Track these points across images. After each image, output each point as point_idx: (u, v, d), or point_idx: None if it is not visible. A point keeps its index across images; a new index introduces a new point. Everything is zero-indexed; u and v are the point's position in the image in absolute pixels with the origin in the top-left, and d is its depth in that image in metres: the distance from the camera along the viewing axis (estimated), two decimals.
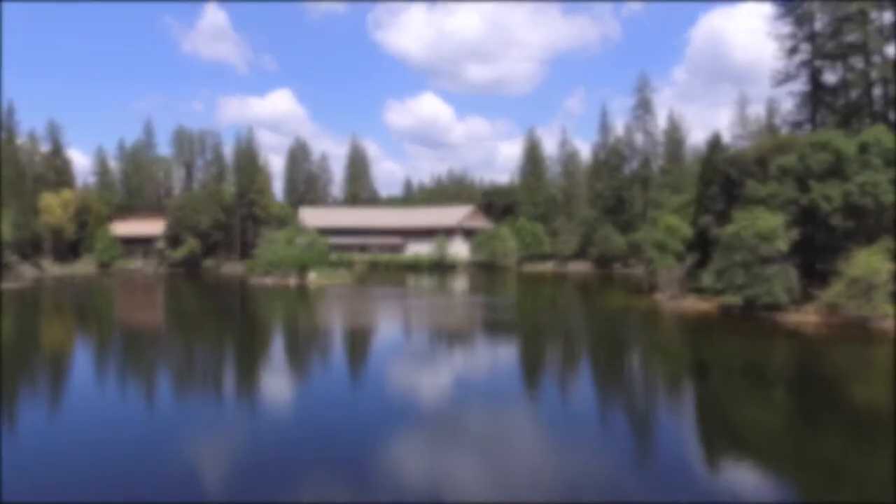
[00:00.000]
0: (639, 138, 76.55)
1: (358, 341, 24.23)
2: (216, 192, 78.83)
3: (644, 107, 75.83)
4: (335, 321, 30.26)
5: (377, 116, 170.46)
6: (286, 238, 57.51)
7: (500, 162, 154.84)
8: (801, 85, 36.00)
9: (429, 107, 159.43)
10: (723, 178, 29.33)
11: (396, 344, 23.48)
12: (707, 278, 27.53)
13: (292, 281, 51.07)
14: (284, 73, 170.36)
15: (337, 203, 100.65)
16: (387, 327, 28.10)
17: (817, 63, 34.47)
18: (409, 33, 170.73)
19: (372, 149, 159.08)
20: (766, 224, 24.20)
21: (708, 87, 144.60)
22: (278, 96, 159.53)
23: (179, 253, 74.39)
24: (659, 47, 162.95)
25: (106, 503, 8.57)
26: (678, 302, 31.73)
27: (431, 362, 19.42)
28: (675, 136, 78.78)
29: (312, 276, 52.04)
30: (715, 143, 32.48)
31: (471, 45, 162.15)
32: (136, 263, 77.84)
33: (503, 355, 21.04)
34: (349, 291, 44.75)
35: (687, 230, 38.22)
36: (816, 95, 34.41)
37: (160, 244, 78.47)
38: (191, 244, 73.80)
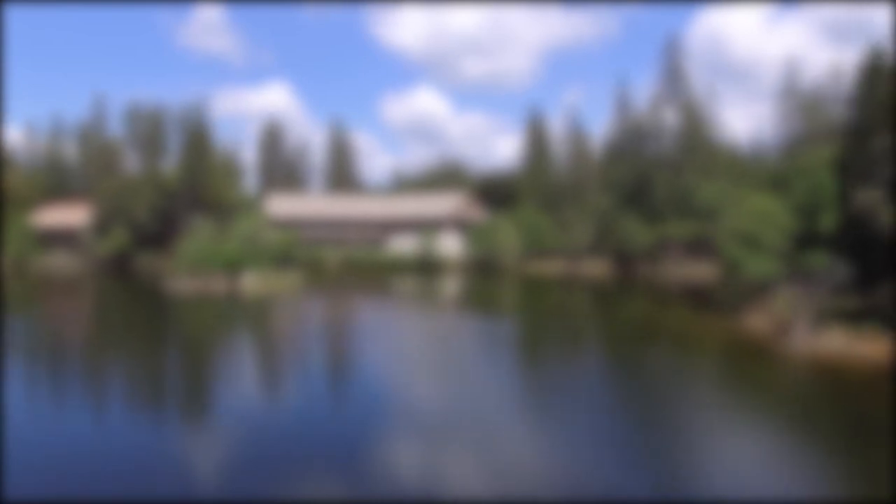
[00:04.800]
0: (667, 113, 63.16)
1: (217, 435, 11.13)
2: (155, 174, 64.94)
3: (674, 74, 62.53)
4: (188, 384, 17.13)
5: (374, 110, 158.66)
6: (229, 229, 44.16)
7: (499, 157, 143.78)
8: None
9: (426, 101, 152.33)
10: None
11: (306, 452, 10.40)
12: None
13: (220, 285, 37.92)
14: (280, 67, 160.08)
15: (314, 192, 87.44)
16: (296, 402, 15.03)
17: None
18: (405, 27, 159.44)
19: (368, 143, 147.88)
20: None
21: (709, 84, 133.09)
22: (274, 90, 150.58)
23: (107, 247, 60.99)
24: (658, 45, 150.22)
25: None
26: (808, 338, 18.72)
27: None
28: (693, 123, 63.86)
29: (249, 280, 38.89)
30: (876, 69, 18.93)
31: (468, 39, 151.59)
32: (60, 259, 64.42)
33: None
34: (290, 303, 31.68)
35: (787, 219, 25.27)
36: None
37: (88, 236, 65.00)
38: (120, 236, 60.36)
